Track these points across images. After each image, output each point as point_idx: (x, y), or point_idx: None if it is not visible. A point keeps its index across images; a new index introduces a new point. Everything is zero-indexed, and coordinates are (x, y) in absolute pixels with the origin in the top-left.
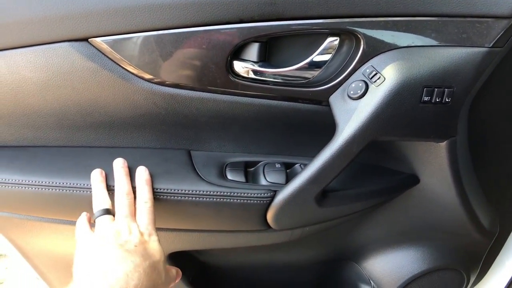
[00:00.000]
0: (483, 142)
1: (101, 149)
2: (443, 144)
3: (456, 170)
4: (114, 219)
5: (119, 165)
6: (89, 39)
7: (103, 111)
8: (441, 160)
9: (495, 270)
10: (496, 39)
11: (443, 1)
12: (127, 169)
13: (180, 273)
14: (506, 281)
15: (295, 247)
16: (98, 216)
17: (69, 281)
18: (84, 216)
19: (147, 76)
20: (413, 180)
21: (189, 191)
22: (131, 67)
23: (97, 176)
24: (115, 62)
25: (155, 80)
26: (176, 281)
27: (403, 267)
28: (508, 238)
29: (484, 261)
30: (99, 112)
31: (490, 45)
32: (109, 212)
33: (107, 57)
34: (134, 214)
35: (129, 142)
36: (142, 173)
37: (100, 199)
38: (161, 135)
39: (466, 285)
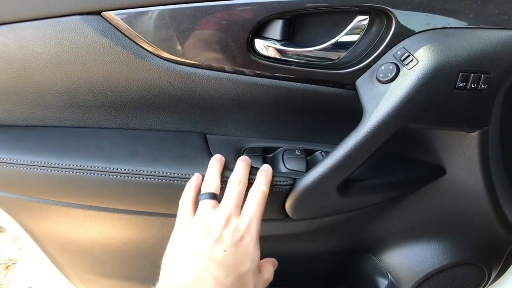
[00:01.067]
0: None
1: (113, 130)
2: (475, 134)
3: (486, 162)
4: (217, 206)
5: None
6: (102, 13)
7: (115, 90)
8: (470, 151)
9: None
10: None
11: None
12: (247, 159)
13: (272, 273)
14: None
15: (312, 237)
16: (203, 199)
17: (78, 265)
18: (191, 191)
19: (163, 54)
20: (439, 171)
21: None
22: (146, 43)
23: (214, 159)
24: (129, 38)
25: (171, 58)
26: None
27: (423, 261)
28: None
29: (506, 258)
30: (111, 91)
31: None
32: (214, 197)
33: (121, 32)
34: (240, 205)
35: (143, 124)
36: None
37: (209, 181)
38: (176, 117)
39: (487, 281)
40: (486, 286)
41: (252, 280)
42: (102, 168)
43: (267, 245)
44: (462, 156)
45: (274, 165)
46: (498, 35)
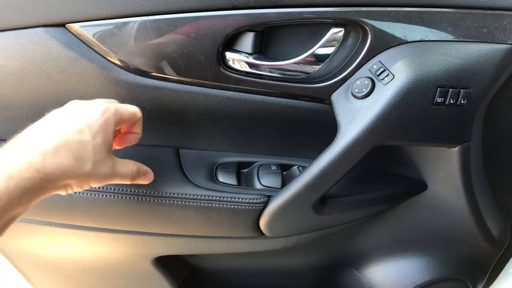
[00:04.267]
0: (497, 148)
1: None
2: (455, 149)
3: (467, 177)
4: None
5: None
6: (66, 25)
7: None
8: (451, 167)
9: (502, 280)
10: None
11: None
12: None
13: (131, 171)
14: None
15: (290, 253)
16: None
17: (50, 281)
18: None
19: (130, 67)
20: (420, 186)
21: (174, 194)
22: (113, 56)
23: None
24: (95, 51)
25: (139, 71)
26: (137, 181)
27: (406, 276)
28: None
29: (491, 272)
30: None
31: None
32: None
33: (86, 45)
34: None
35: None
36: None
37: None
38: (146, 131)
39: None
40: None
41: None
42: None
43: (242, 262)
44: (443, 171)
45: (249, 181)
46: (478, 48)
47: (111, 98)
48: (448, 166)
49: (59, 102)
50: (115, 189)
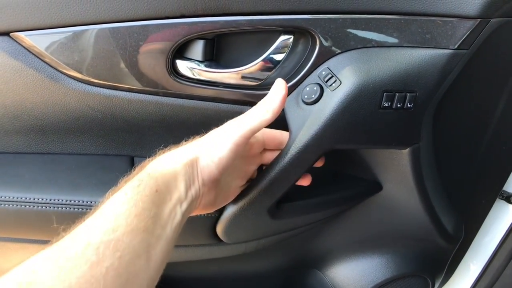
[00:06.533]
0: (447, 147)
1: (33, 156)
2: (406, 151)
3: (419, 177)
4: None
5: None
6: (10, 34)
7: (32, 114)
8: (404, 168)
9: (459, 275)
10: (461, 40)
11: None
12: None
13: None
14: (469, 286)
15: (253, 257)
16: None
17: None
18: None
19: (79, 76)
20: (376, 187)
21: None
22: (60, 65)
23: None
24: (41, 60)
25: (88, 80)
26: None
27: (367, 275)
28: (472, 243)
29: (448, 266)
30: (27, 115)
31: (455, 47)
32: None
33: (33, 54)
34: None
35: (65, 148)
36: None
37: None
38: (100, 141)
39: None
40: None
41: None
42: (18, 198)
43: (205, 268)
44: (396, 172)
45: None
46: (422, 54)
47: (61, 108)
48: (401, 167)
49: (7, 112)
50: (66, 200)
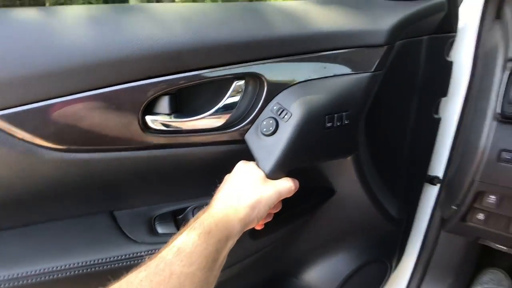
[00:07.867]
0: (380, 148)
1: (11, 232)
2: (349, 159)
3: (363, 177)
4: None
5: None
6: None
7: (9, 188)
8: (350, 172)
9: (407, 254)
10: (376, 64)
11: (330, 38)
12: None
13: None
14: (413, 261)
15: (232, 280)
16: None
17: None
18: None
19: (56, 146)
20: (330, 192)
21: (120, 256)
22: (36, 139)
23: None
24: (15, 137)
25: (64, 148)
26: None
27: (336, 271)
28: (414, 223)
29: (399, 248)
30: (5, 190)
31: (373, 70)
32: None
33: (5, 132)
34: None
35: (44, 217)
36: None
37: None
38: (78, 202)
39: (391, 271)
40: (391, 274)
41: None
42: (5, 276)
43: None
44: (344, 176)
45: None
46: (350, 79)
47: (39, 179)
48: (347, 172)
49: None
50: (60, 266)
